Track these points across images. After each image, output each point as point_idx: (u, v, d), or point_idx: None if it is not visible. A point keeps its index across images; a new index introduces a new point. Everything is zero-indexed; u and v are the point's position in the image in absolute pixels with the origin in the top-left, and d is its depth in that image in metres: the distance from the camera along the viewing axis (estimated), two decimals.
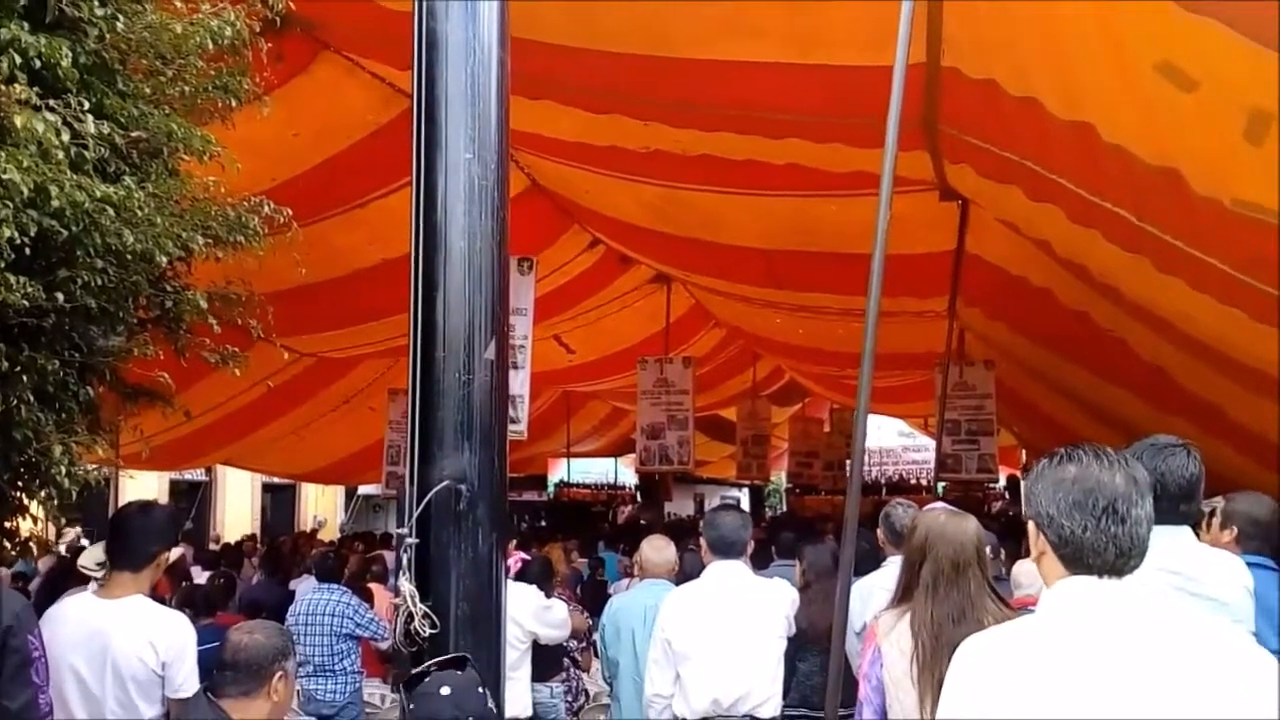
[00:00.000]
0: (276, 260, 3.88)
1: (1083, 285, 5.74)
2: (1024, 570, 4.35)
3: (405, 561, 2.28)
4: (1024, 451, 14.88)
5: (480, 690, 2.14)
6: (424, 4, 2.39)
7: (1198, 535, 3.53)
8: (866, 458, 17.05)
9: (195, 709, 2.62)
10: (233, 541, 12.88)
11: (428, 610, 2.25)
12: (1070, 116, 3.65)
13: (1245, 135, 2.99)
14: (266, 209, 3.15)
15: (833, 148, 4.94)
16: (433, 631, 2.28)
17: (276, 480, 17.24)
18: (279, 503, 19.00)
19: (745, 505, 21.57)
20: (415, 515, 2.26)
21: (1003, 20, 3.52)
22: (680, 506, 18.01)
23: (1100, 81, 3.40)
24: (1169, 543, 2.61)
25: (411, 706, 2.15)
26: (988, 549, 2.92)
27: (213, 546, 13.42)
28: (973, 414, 8.97)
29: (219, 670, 2.55)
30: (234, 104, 3.20)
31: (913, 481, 17.76)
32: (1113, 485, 1.69)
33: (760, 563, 6.44)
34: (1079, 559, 1.69)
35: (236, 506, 17.99)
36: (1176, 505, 2.67)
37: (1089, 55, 3.31)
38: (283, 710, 2.54)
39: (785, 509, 18.79)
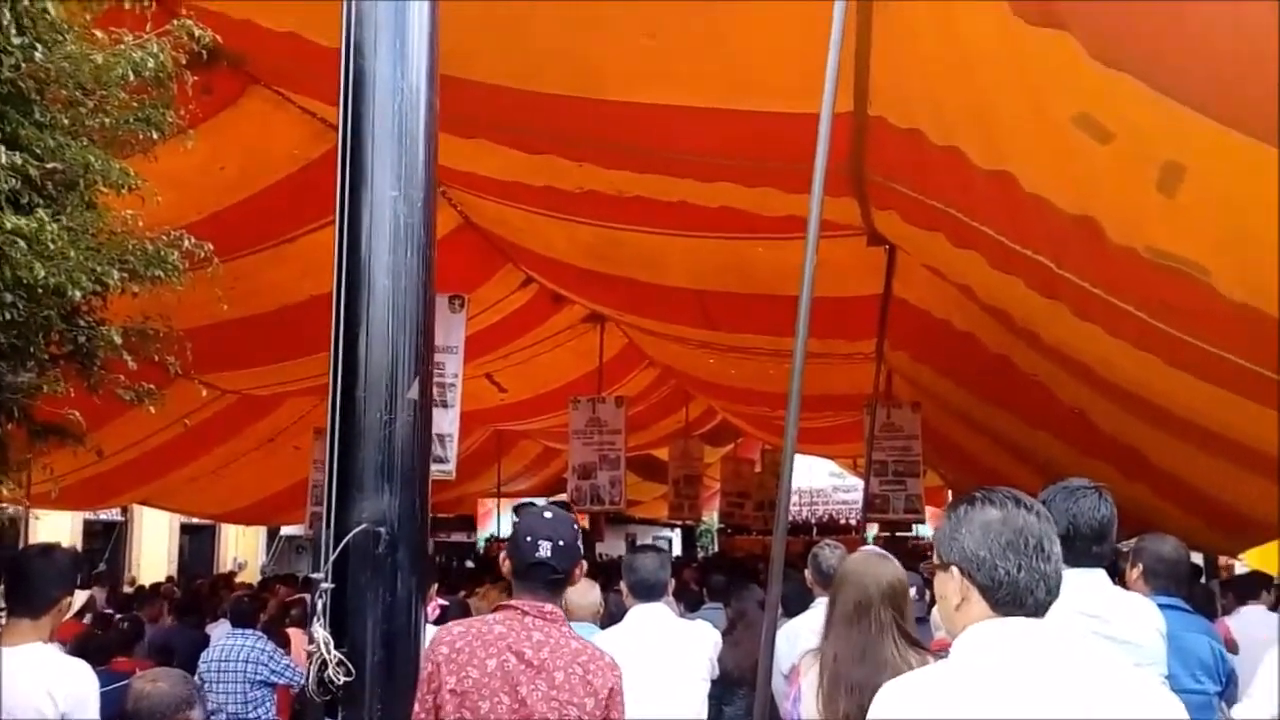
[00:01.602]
0: (200, 295, 3.81)
1: (1004, 330, 5.87)
2: (953, 614, 4.40)
3: (320, 607, 2.22)
4: (950, 492, 15.10)
5: None
6: (352, 41, 2.37)
7: (1121, 576, 3.61)
8: (797, 498, 17.21)
9: None
10: (147, 584, 12.47)
11: (342, 657, 2.19)
12: (991, 166, 3.75)
13: (1158, 186, 3.09)
14: (187, 243, 3.08)
15: (763, 192, 5.00)
16: (347, 679, 2.21)
17: (195, 520, 16.75)
18: (198, 544, 18.45)
19: (677, 545, 21.55)
20: (331, 559, 2.20)
21: (927, 71, 3.61)
22: (612, 547, 17.89)
23: (1020, 132, 3.49)
24: (1084, 585, 2.66)
25: None
26: (912, 590, 2.94)
27: (127, 589, 12.97)
28: (900, 455, 9.09)
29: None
30: (156, 137, 3.13)
31: (842, 521, 17.91)
32: (1037, 525, 1.71)
33: (691, 605, 6.43)
34: (1013, 600, 1.69)
35: (153, 547, 17.42)
36: (1089, 547, 2.73)
37: (1009, 107, 3.40)
38: None
39: (717, 549, 18.79)
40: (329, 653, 2.18)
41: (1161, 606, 3.00)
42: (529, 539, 2.58)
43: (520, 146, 5.24)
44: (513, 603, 2.56)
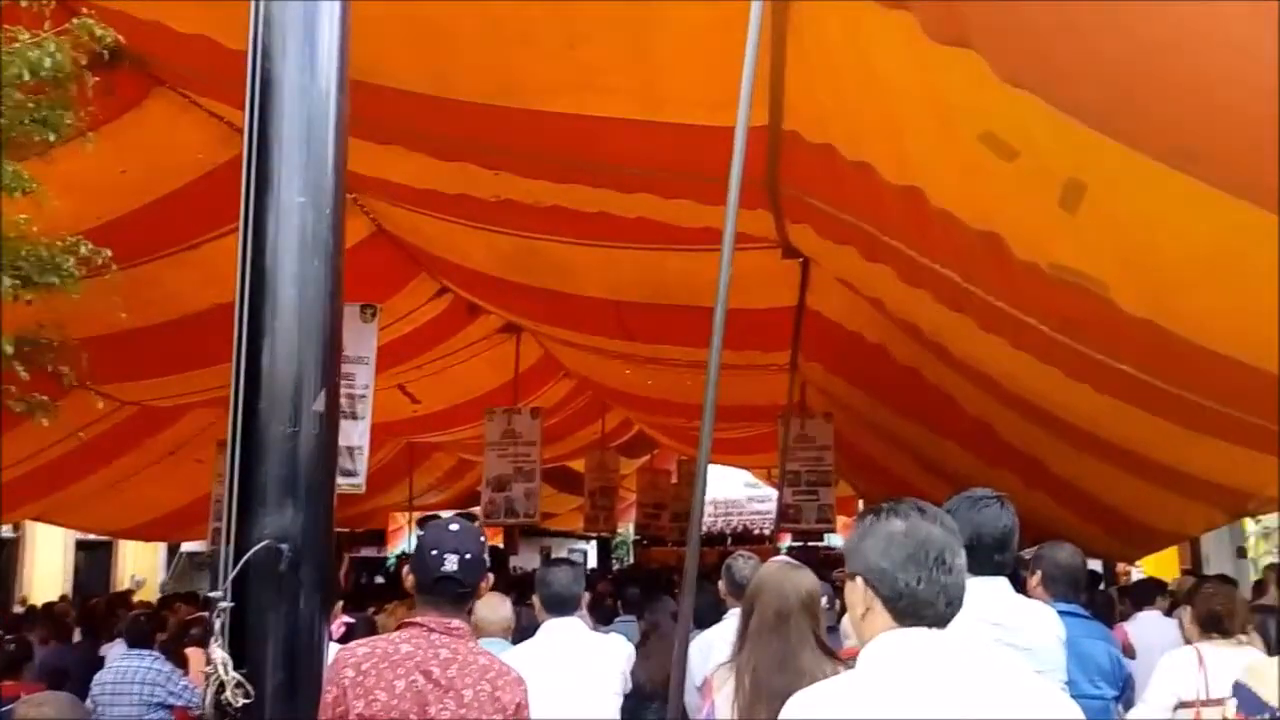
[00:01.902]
0: (97, 303, 3.67)
1: (914, 342, 5.99)
2: (859, 624, 4.45)
3: (219, 626, 2.14)
4: (861, 502, 15.35)
5: None
6: (260, 44, 2.31)
7: (1024, 584, 3.70)
8: (711, 509, 17.32)
9: None
10: (39, 603, 11.96)
11: (241, 679, 2.11)
12: (901, 181, 3.82)
13: (1061, 203, 3.18)
14: (84, 249, 2.96)
15: (681, 203, 5.02)
16: (246, 701, 2.14)
17: (91, 537, 16.11)
18: (94, 561, 17.72)
19: (592, 557, 21.46)
20: (231, 577, 2.13)
21: (839, 88, 3.67)
22: (527, 560, 17.76)
23: (928, 149, 3.57)
24: (987, 593, 2.71)
25: None
26: (823, 599, 2.97)
27: (18, 608, 12.42)
28: (813, 465, 9.21)
29: None
30: (53, 139, 3.01)
31: (756, 532, 18.06)
32: (941, 538, 1.73)
33: (604, 617, 6.40)
34: (913, 611, 1.71)
35: (46, 565, 16.68)
36: (992, 555, 2.78)
37: (918, 124, 3.47)
38: None
39: (633, 561, 18.79)
40: (227, 674, 2.10)
41: (1060, 613, 3.08)
42: (434, 552, 2.53)
43: (435, 154, 5.17)
44: (418, 620, 2.50)
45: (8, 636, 6.67)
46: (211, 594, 2.20)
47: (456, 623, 2.54)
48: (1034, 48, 2.71)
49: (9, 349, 2.82)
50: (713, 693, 2.79)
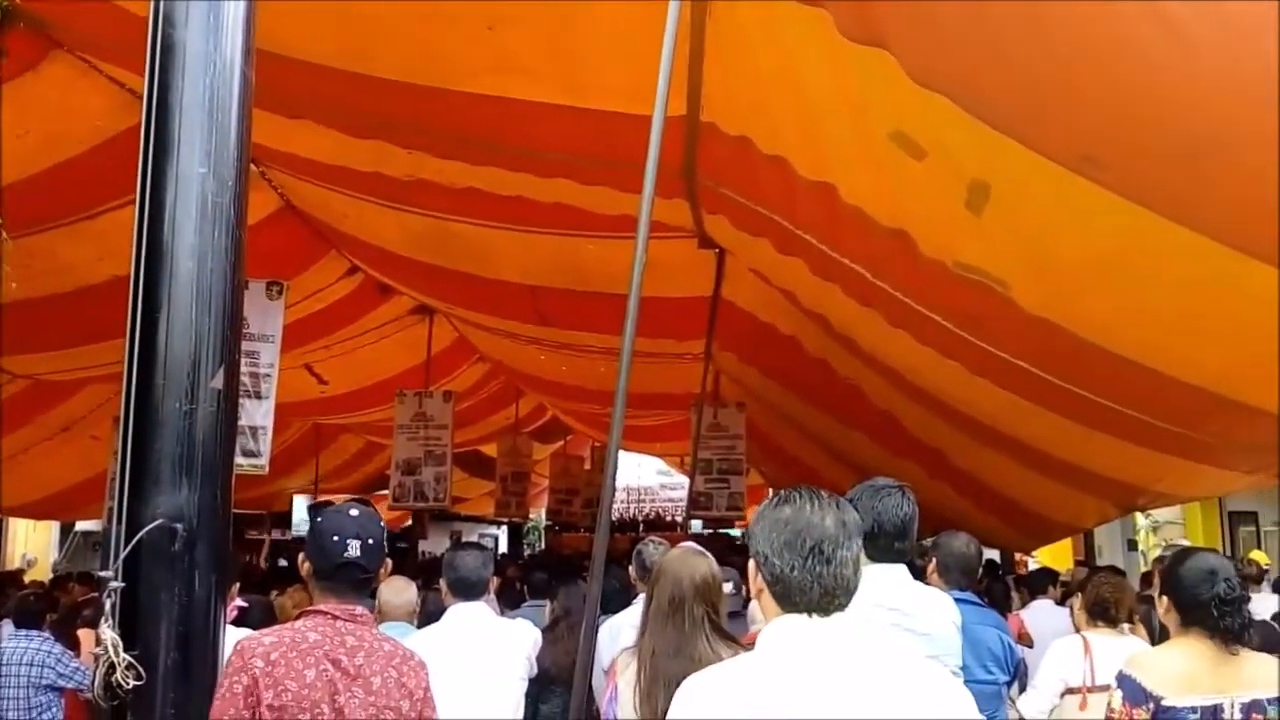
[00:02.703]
0: None
1: (824, 335, 6.09)
2: (759, 606, 4.52)
3: (109, 607, 2.07)
4: (770, 490, 15.56)
5: None
6: (161, 8, 2.23)
7: (923, 572, 3.80)
8: (624, 495, 17.33)
9: None
10: None
11: (132, 660, 2.05)
12: (814, 177, 3.87)
13: (967, 204, 3.26)
14: None
15: (599, 190, 5.01)
16: (138, 683, 2.08)
17: None
18: None
19: (504, 542, 21.36)
20: (122, 556, 2.06)
21: (756, 81, 3.70)
22: (436, 544, 17.59)
23: (841, 146, 3.62)
24: (886, 580, 2.78)
25: None
26: (728, 585, 3.01)
27: None
28: (725, 454, 9.30)
29: None
30: None
31: (668, 519, 18.19)
32: (821, 527, 1.76)
33: (512, 602, 6.38)
34: (788, 597, 1.76)
35: None
36: (892, 543, 2.86)
37: (832, 121, 3.52)
38: None
39: (544, 546, 18.76)
40: (118, 655, 2.04)
41: (955, 600, 3.17)
42: (335, 538, 2.49)
43: (348, 130, 5.07)
44: (321, 608, 2.47)
45: None
46: (102, 573, 2.14)
47: (360, 609, 2.52)
48: (945, 50, 2.77)
49: None
50: (616, 676, 2.81)
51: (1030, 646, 5.57)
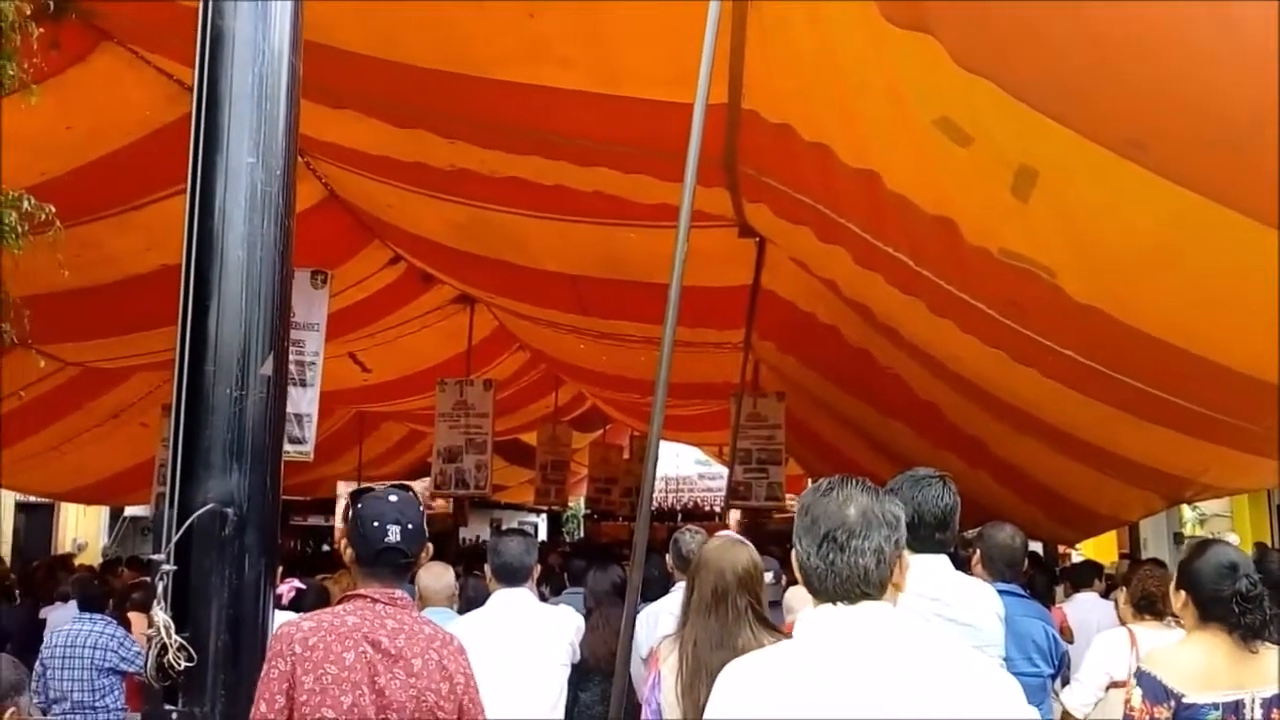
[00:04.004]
0: (40, 261, 3.58)
1: (865, 324, 6.05)
2: (794, 595, 4.51)
3: (161, 590, 2.12)
4: (809, 480, 15.51)
5: None
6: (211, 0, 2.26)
7: (967, 562, 3.78)
8: (662, 485, 17.33)
9: None
10: None
11: (184, 642, 2.09)
12: (857, 164, 3.84)
13: (1013, 190, 3.22)
14: (27, 204, 2.89)
15: (639, 179, 5.01)
16: (189, 665, 2.12)
17: (32, 499, 15.80)
18: (35, 523, 17.40)
19: (543, 530, 21.50)
20: (174, 540, 2.10)
21: (798, 68, 3.68)
22: (477, 531, 17.74)
23: (885, 133, 3.59)
24: (926, 570, 2.76)
25: None
26: (768, 575, 3.00)
27: None
28: (764, 443, 9.27)
29: None
30: None
31: (706, 508, 18.18)
32: (839, 516, 1.76)
33: (554, 589, 6.42)
34: (810, 585, 1.78)
35: None
36: (933, 534, 2.83)
37: (874, 107, 3.49)
38: None
39: (583, 535, 18.84)
40: (169, 637, 2.08)
41: (999, 591, 3.14)
42: (375, 524, 2.52)
43: (390, 119, 5.10)
44: (362, 591, 2.50)
45: None
46: (154, 557, 2.18)
47: (400, 593, 2.55)
48: (991, 34, 2.73)
49: None
50: (658, 663, 2.82)
51: (1071, 641, 5.51)
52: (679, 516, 17.63)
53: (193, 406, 2.20)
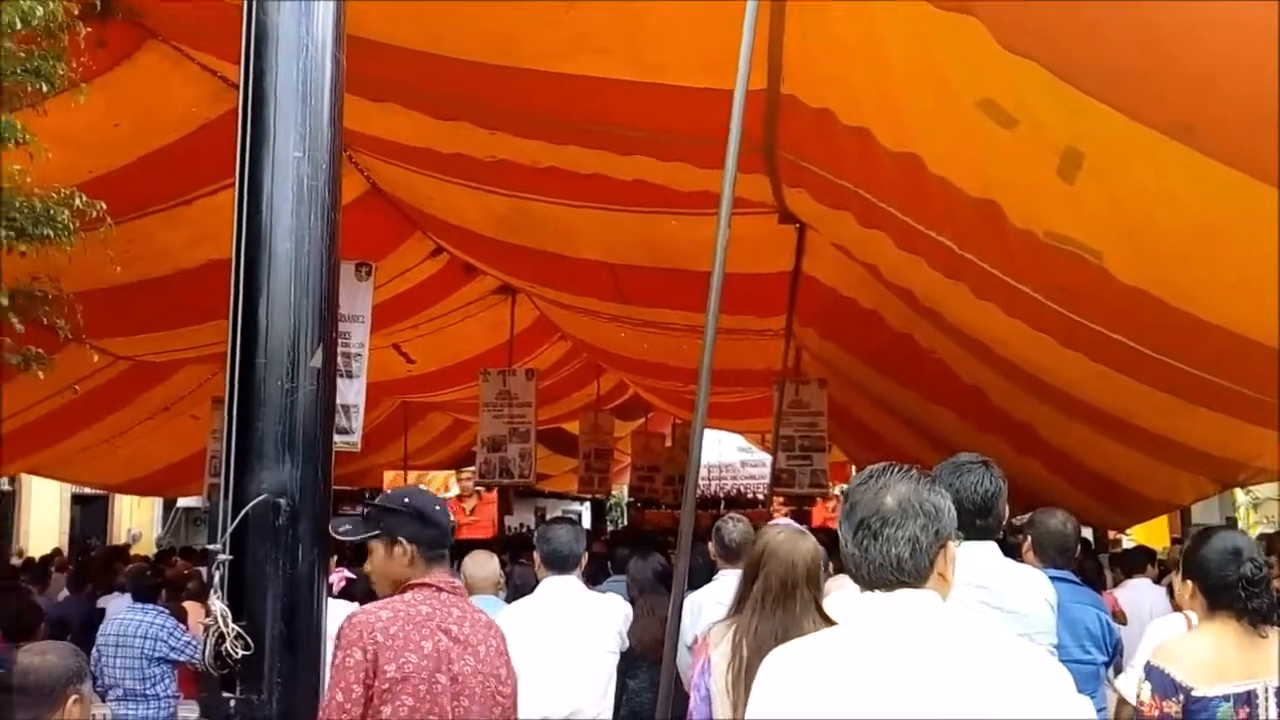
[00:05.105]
0: (92, 257, 3.65)
1: (908, 308, 6.00)
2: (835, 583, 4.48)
3: (217, 579, 2.16)
4: (853, 467, 15.43)
5: None
6: None
7: (1018, 549, 3.74)
8: (705, 472, 17.30)
9: None
10: (36, 556, 12.03)
11: (240, 631, 2.14)
12: (899, 148, 3.81)
13: (1059, 172, 3.18)
14: (78, 202, 2.95)
15: (678, 166, 5.00)
16: (246, 653, 2.16)
17: (88, 490, 16.16)
18: (90, 514, 17.80)
19: (587, 519, 21.59)
20: (229, 530, 2.15)
21: (837, 52, 3.65)
22: (522, 520, 17.87)
23: (927, 116, 3.55)
24: (972, 556, 2.73)
25: None
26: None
27: (15, 561, 12.48)
28: (806, 430, 9.23)
29: (10, 694, 2.36)
30: (46, 89, 2.99)
31: (749, 496, 18.15)
32: (874, 503, 1.74)
33: (597, 578, 6.44)
34: (849, 571, 1.77)
35: (43, 518, 16.76)
36: (973, 520, 2.79)
37: (916, 90, 3.46)
38: None
39: (627, 522, 18.89)
40: (227, 625, 2.13)
41: (1051, 579, 3.10)
42: (438, 508, 2.63)
43: (431, 112, 5.14)
44: (427, 580, 2.57)
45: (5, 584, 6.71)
46: (210, 546, 2.22)
47: (458, 581, 2.67)
48: (1037, 15, 2.70)
49: (4, 301, 2.82)
50: (709, 648, 2.81)
51: (1124, 624, 5.44)
52: (722, 504, 17.61)
53: (245, 399, 2.23)
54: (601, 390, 14.01)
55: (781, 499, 11.11)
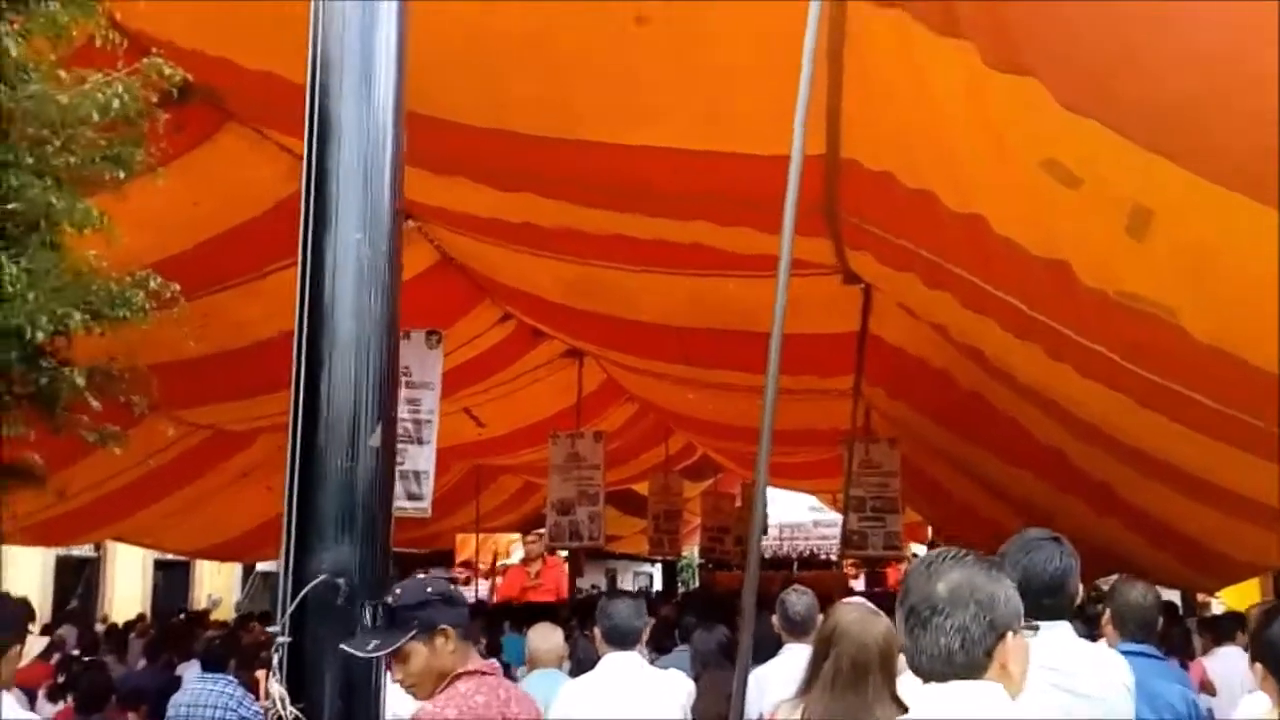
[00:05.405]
0: (168, 332, 3.77)
1: (978, 368, 5.89)
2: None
3: (276, 661, 2.17)
4: (930, 529, 15.10)
5: None
6: (318, 82, 2.36)
7: (1097, 619, 3.59)
8: (776, 532, 17.02)
9: None
10: (120, 622, 12.29)
11: (299, 713, 2.14)
12: (963, 209, 3.77)
13: (1128, 230, 3.12)
14: (153, 284, 3.05)
15: (738, 231, 5.01)
16: None
17: (169, 556, 16.52)
18: (172, 580, 18.17)
19: (658, 580, 21.40)
20: (288, 611, 2.16)
21: (897, 115, 3.64)
22: (593, 581, 17.76)
23: (988, 177, 3.52)
24: (1043, 638, 2.60)
25: None
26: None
27: (99, 626, 12.76)
28: (878, 491, 9.07)
29: None
30: (123, 176, 3.11)
31: (822, 556, 17.82)
32: (923, 590, 1.68)
33: (664, 645, 6.34)
34: (906, 659, 1.73)
35: (126, 584, 17.16)
36: (1041, 599, 2.67)
37: (977, 151, 3.43)
38: None
39: (698, 584, 18.67)
40: (285, 709, 2.13)
41: (1131, 653, 2.97)
42: (454, 588, 2.72)
43: (497, 184, 5.24)
44: (473, 667, 2.57)
45: (87, 660, 6.85)
46: (270, 629, 2.24)
47: (494, 662, 2.74)
48: (1095, 75, 2.67)
49: (80, 381, 2.91)
50: None
51: (1214, 695, 5.19)
52: (795, 565, 17.32)
53: (305, 477, 2.26)
54: (670, 451, 13.95)
55: (853, 561, 10.90)
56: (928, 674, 1.66)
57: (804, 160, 3.31)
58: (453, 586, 2.66)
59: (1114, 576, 4.30)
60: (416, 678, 2.54)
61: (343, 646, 2.17)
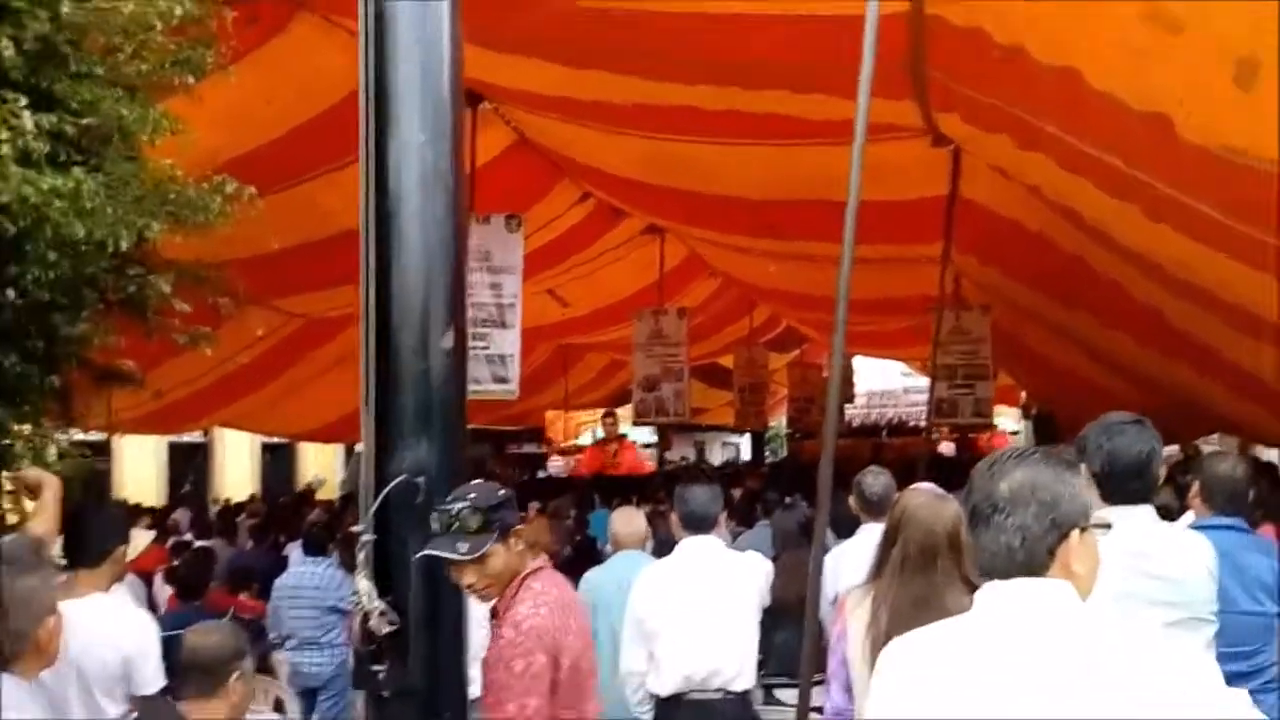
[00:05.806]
0: (251, 230, 3.82)
1: (1075, 230, 5.67)
2: None
3: (362, 558, 2.24)
4: (1023, 394, 14.85)
5: None
6: None
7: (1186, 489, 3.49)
8: (865, 400, 16.84)
9: (153, 710, 2.61)
10: (233, 501, 12.94)
11: (385, 607, 2.22)
12: (1056, 62, 3.56)
13: (1234, 80, 2.91)
14: (229, 188, 3.07)
15: (816, 98, 4.83)
16: (391, 629, 2.24)
17: (275, 440, 17.25)
18: (278, 461, 19.02)
19: (746, 450, 21.61)
20: (372, 510, 2.22)
21: None
22: (681, 453, 18.04)
23: (1086, 27, 3.30)
24: (1125, 523, 2.53)
25: None
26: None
27: (213, 506, 13.46)
28: (968, 359, 8.89)
29: (179, 672, 2.56)
30: (193, 80, 3.10)
31: (912, 424, 17.71)
32: (986, 489, 1.63)
33: (747, 518, 6.40)
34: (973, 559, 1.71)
35: (236, 467, 18.04)
36: (1127, 484, 2.59)
37: (1069, 1, 3.21)
38: (241, 710, 2.52)
39: (786, 453, 18.81)
40: (371, 603, 2.21)
41: (1219, 527, 2.89)
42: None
43: (567, 62, 5.12)
44: (539, 564, 2.64)
45: (197, 545, 7.23)
46: (354, 528, 2.31)
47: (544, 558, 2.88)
48: None
49: (167, 288, 2.98)
50: (847, 613, 2.75)
51: None
52: (884, 432, 17.28)
53: (381, 381, 2.30)
54: (755, 324, 13.86)
55: (944, 429, 10.80)
56: (989, 571, 1.64)
57: (886, 19, 3.15)
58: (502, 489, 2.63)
59: (1214, 435, 4.15)
60: (494, 578, 2.47)
61: (430, 552, 2.20)
